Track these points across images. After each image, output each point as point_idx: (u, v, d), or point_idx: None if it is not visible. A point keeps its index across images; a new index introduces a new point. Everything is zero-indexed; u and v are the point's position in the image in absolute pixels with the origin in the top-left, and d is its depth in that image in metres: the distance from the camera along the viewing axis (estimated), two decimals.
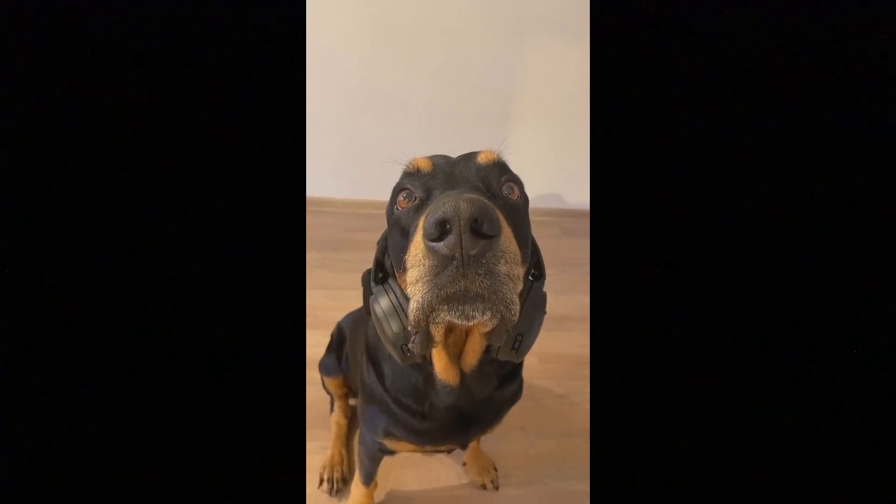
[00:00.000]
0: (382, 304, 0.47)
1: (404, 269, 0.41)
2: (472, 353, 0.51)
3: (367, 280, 0.51)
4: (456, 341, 0.50)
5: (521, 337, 0.45)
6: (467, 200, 0.33)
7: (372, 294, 0.48)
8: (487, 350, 0.50)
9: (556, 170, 2.26)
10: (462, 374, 0.53)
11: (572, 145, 2.22)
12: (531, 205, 0.52)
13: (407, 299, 0.43)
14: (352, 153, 2.06)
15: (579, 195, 2.37)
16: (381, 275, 0.50)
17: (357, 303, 0.97)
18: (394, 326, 0.46)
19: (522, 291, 0.42)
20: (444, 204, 0.33)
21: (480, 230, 0.33)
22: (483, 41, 1.95)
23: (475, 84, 2.02)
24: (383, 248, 0.52)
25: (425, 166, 0.46)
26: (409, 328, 0.41)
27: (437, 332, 0.41)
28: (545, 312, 0.48)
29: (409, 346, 0.44)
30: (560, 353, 1.35)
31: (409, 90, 1.99)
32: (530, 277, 0.48)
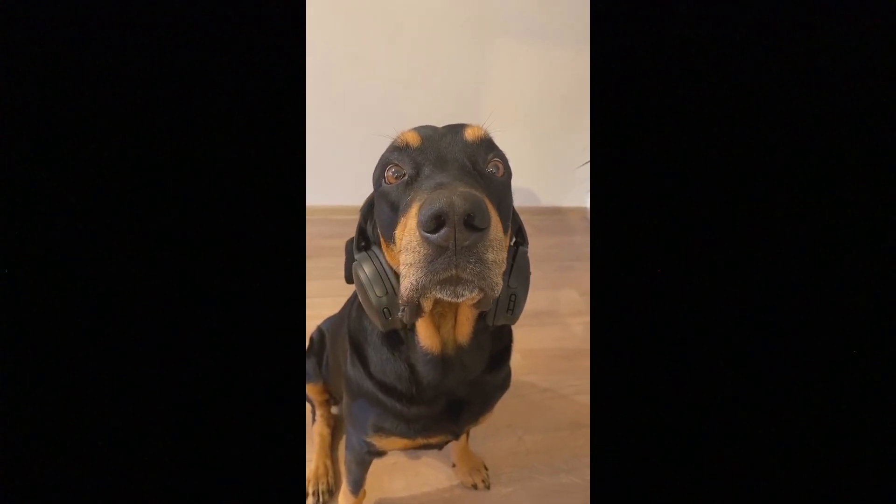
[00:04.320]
0: (367, 270, 0.49)
1: (393, 242, 0.44)
2: (466, 323, 0.53)
3: (350, 248, 0.53)
4: (442, 312, 0.52)
5: (514, 297, 0.49)
6: (461, 196, 0.35)
7: (355, 261, 0.51)
8: (481, 318, 0.53)
9: (528, 168, 2.29)
10: (458, 347, 0.54)
11: (544, 144, 2.25)
12: None
13: (392, 268, 0.48)
14: (322, 159, 2.03)
15: (551, 193, 2.40)
16: (363, 243, 0.53)
17: (334, 310, 0.95)
18: (378, 291, 0.48)
19: (508, 257, 0.47)
20: (440, 199, 0.35)
21: (472, 223, 0.36)
22: (453, 43, 1.96)
23: (446, 85, 2.02)
24: (366, 215, 0.54)
25: (414, 141, 0.47)
26: (400, 302, 0.43)
27: (427, 304, 0.44)
28: (530, 273, 0.51)
29: (399, 314, 0.47)
30: (541, 347, 1.36)
31: (380, 94, 1.98)
32: (513, 245, 0.51)
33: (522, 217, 0.58)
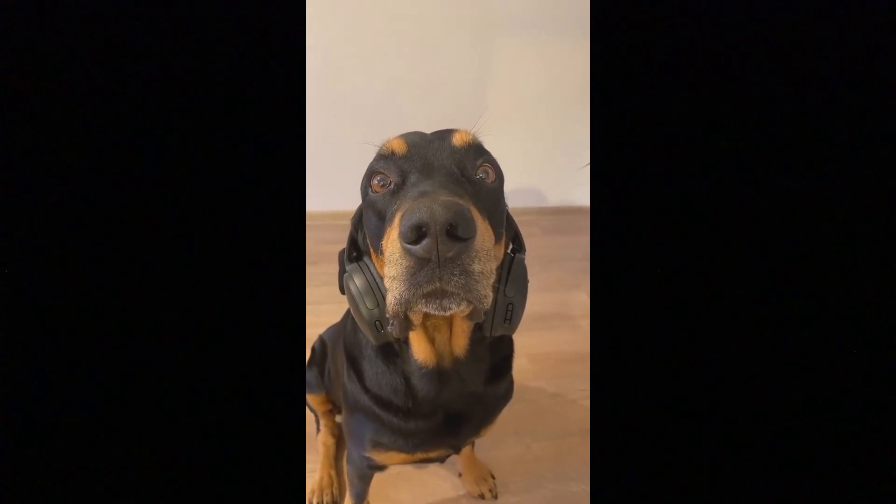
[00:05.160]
0: (357, 281, 0.48)
1: (381, 252, 0.42)
2: (462, 335, 0.51)
3: (342, 259, 0.52)
4: (436, 324, 0.50)
5: (511, 307, 0.47)
6: (443, 205, 0.34)
7: (346, 272, 0.49)
8: (478, 329, 0.51)
9: (534, 167, 2.26)
10: (455, 360, 0.53)
11: (551, 142, 2.23)
12: (509, 204, 0.52)
13: (382, 278, 0.46)
14: (324, 163, 2.02)
15: (559, 192, 2.37)
16: (355, 253, 0.52)
17: (336, 317, 0.94)
18: (368, 304, 0.47)
19: (504, 266, 0.47)
20: (420, 209, 0.34)
21: (455, 234, 0.34)
22: (454, 42, 1.94)
23: (448, 86, 2.00)
24: (357, 225, 0.53)
25: (399, 148, 0.46)
26: (387, 316, 0.42)
27: (416, 318, 0.43)
28: (528, 281, 0.50)
29: (389, 328, 0.46)
30: (549, 351, 1.33)
31: (383, 96, 1.96)
32: (510, 253, 0.49)
33: (530, 217, 0.56)
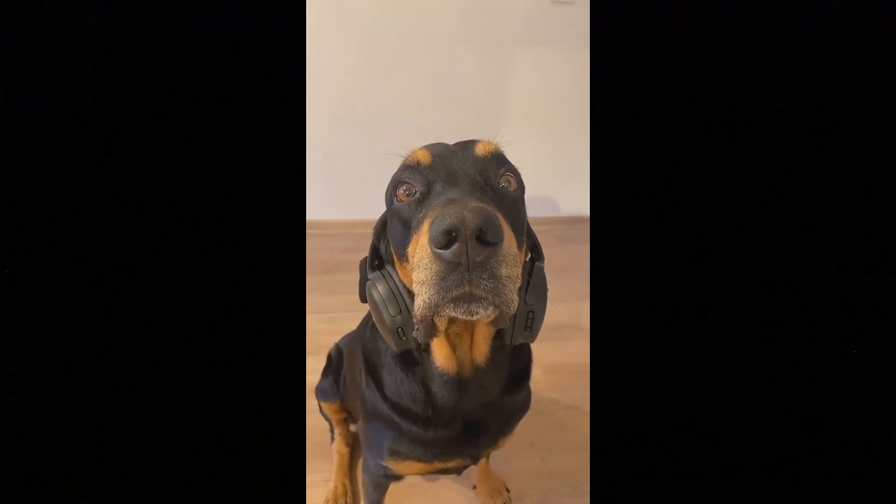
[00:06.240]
0: (380, 289, 0.49)
1: (406, 259, 0.43)
2: (483, 342, 0.52)
3: (364, 267, 0.53)
4: (458, 332, 0.51)
5: (532, 314, 0.48)
6: (473, 211, 0.35)
7: (369, 280, 0.50)
8: (498, 337, 0.52)
9: (548, 176, 2.26)
10: (475, 368, 0.53)
11: (564, 151, 2.22)
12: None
13: (406, 287, 0.47)
14: (341, 173, 2.05)
15: (572, 202, 2.36)
16: (377, 262, 0.52)
17: (354, 325, 0.94)
18: (391, 311, 0.48)
19: (524, 273, 0.47)
20: (451, 214, 0.35)
21: (485, 238, 0.35)
22: (470, 52, 1.96)
23: (464, 96, 2.02)
24: (379, 234, 0.53)
25: (424, 158, 0.47)
26: (414, 321, 0.43)
27: (441, 323, 0.44)
28: (548, 289, 0.50)
29: (414, 334, 0.47)
30: (564, 362, 1.32)
31: (398, 106, 1.99)
32: (529, 261, 0.50)
33: (544, 227, 0.56)
